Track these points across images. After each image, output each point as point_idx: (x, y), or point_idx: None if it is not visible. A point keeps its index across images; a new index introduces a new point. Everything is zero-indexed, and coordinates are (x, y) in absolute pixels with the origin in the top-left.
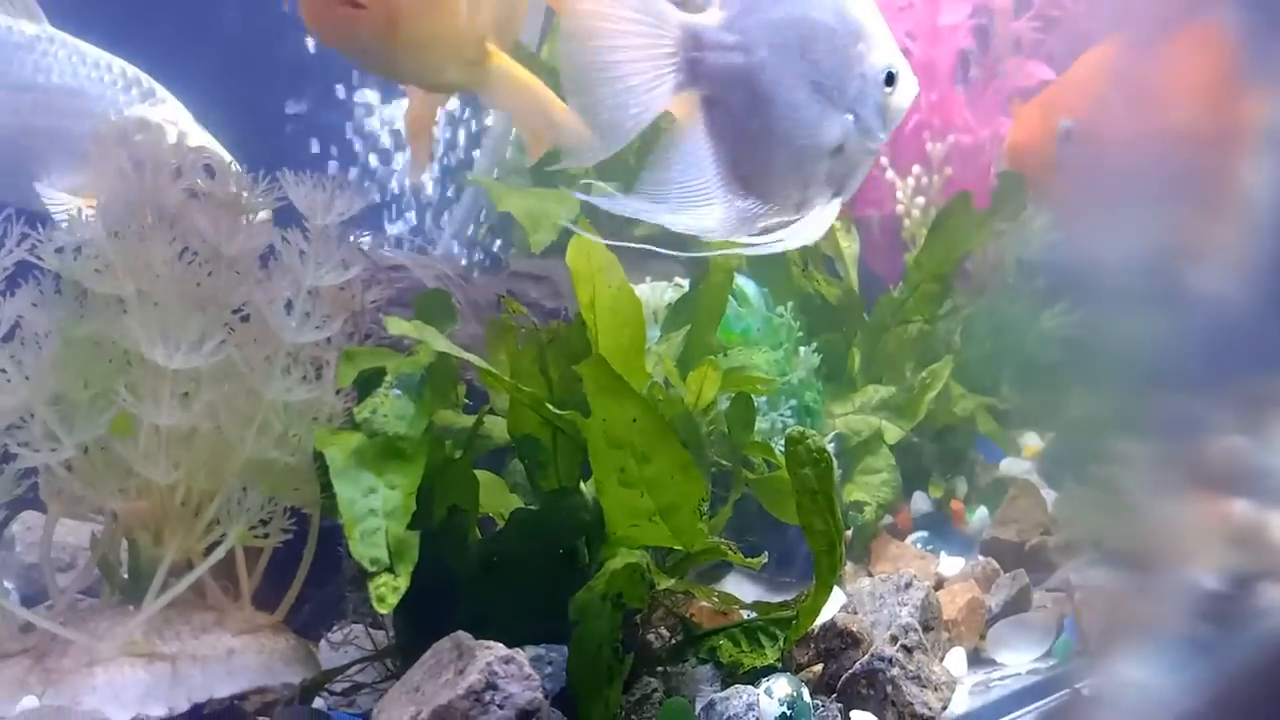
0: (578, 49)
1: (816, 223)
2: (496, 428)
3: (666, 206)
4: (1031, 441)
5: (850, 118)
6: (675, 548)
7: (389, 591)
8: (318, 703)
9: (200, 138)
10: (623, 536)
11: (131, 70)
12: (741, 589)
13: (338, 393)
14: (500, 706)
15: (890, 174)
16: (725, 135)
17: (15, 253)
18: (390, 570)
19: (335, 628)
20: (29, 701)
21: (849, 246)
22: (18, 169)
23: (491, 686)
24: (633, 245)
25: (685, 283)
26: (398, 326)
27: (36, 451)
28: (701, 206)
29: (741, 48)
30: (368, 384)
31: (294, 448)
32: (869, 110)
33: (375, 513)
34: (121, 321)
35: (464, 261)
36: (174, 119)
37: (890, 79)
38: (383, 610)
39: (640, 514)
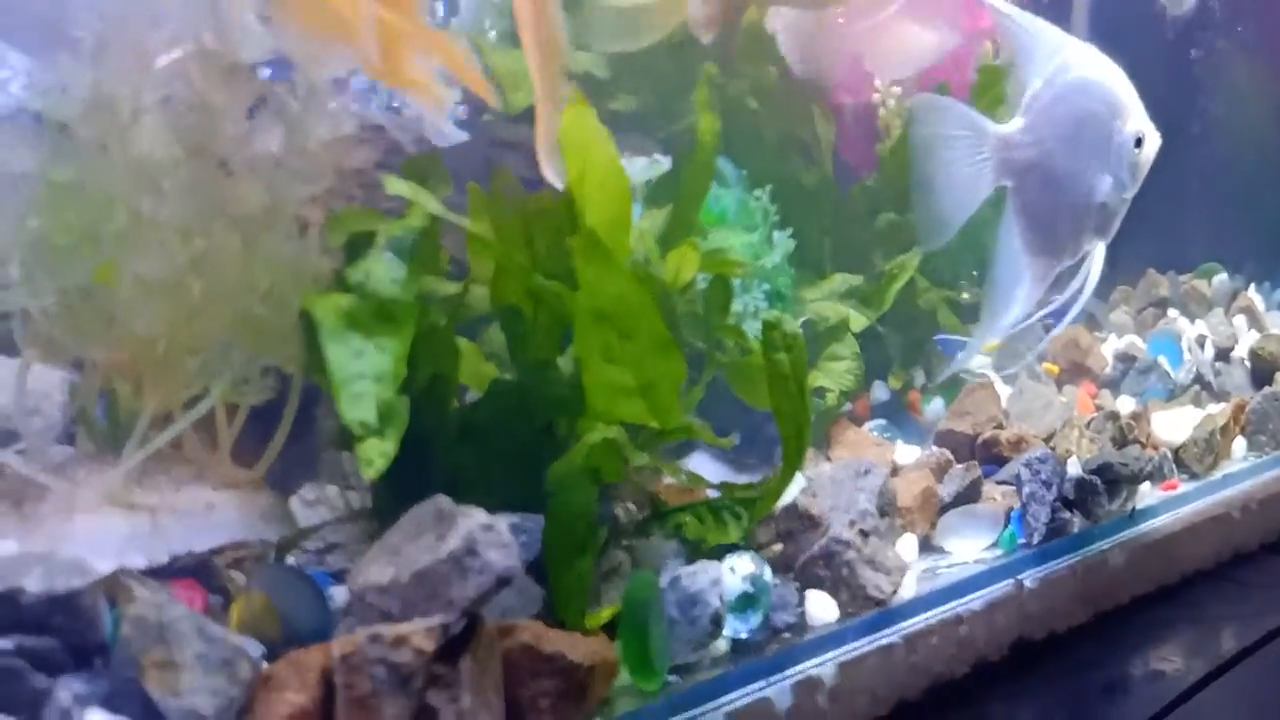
0: (925, 156)
1: (1093, 270)
2: (478, 297)
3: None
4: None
5: (1110, 178)
6: (650, 425)
7: (377, 455)
8: (289, 561)
9: None
10: (602, 411)
11: None
12: (705, 468)
13: (323, 252)
14: (479, 572)
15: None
16: (1026, 211)
17: None
18: (378, 434)
19: (308, 486)
20: (8, 546)
21: (825, 133)
22: None
23: (471, 552)
24: None
25: (665, 159)
26: (396, 187)
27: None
28: (1013, 276)
29: (1035, 144)
30: (353, 247)
31: (279, 305)
32: (1124, 169)
33: (364, 376)
34: (107, 166)
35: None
36: None
37: (1139, 142)
38: (370, 475)
39: (620, 390)
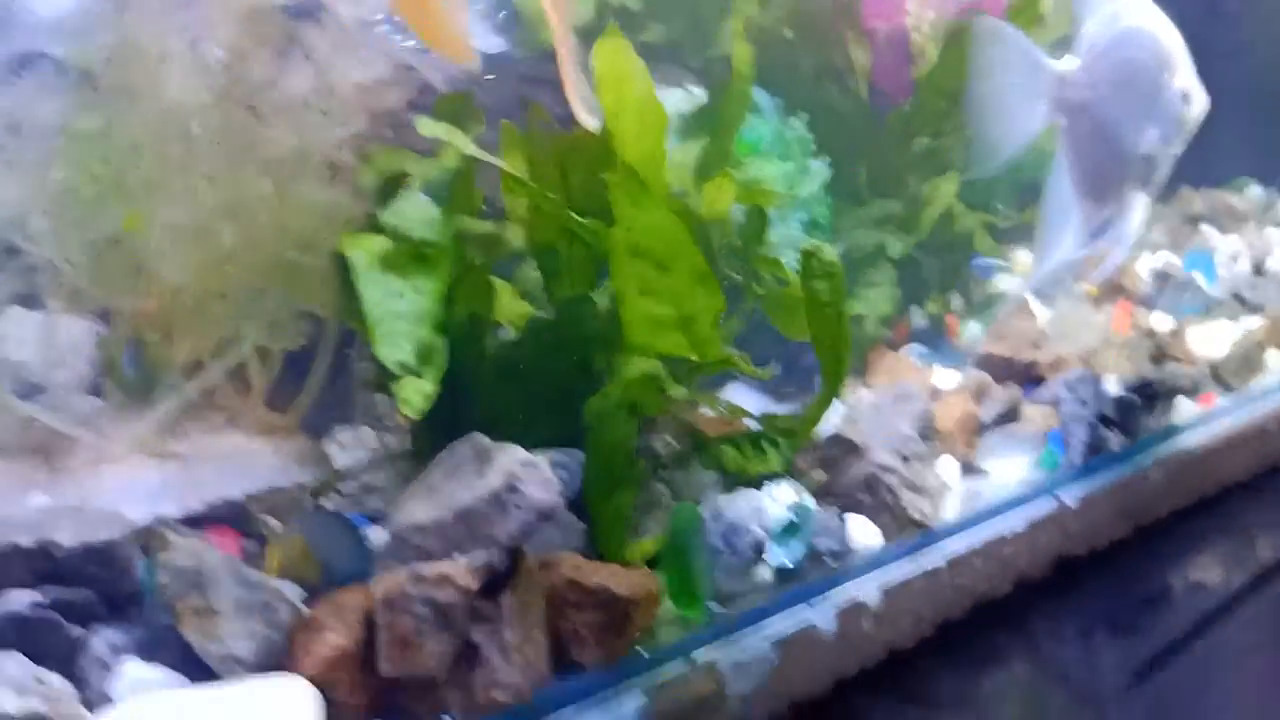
0: (981, 81)
1: (1136, 220)
2: (513, 235)
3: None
4: (1025, 258)
5: (1156, 131)
6: (689, 357)
7: (416, 395)
8: (325, 504)
9: None
10: (640, 345)
11: None
12: (744, 399)
13: (354, 194)
14: (519, 508)
15: None
16: (1076, 151)
17: (18, 39)
18: (416, 374)
19: (342, 429)
20: (40, 500)
21: (860, 59)
22: None
23: (512, 489)
24: None
25: (698, 90)
26: (429, 129)
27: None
28: (1062, 215)
29: (1089, 85)
30: (386, 188)
31: (312, 249)
32: (1169, 124)
33: (401, 316)
34: (131, 112)
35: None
36: None
37: (1185, 98)
38: (409, 414)
39: (658, 323)
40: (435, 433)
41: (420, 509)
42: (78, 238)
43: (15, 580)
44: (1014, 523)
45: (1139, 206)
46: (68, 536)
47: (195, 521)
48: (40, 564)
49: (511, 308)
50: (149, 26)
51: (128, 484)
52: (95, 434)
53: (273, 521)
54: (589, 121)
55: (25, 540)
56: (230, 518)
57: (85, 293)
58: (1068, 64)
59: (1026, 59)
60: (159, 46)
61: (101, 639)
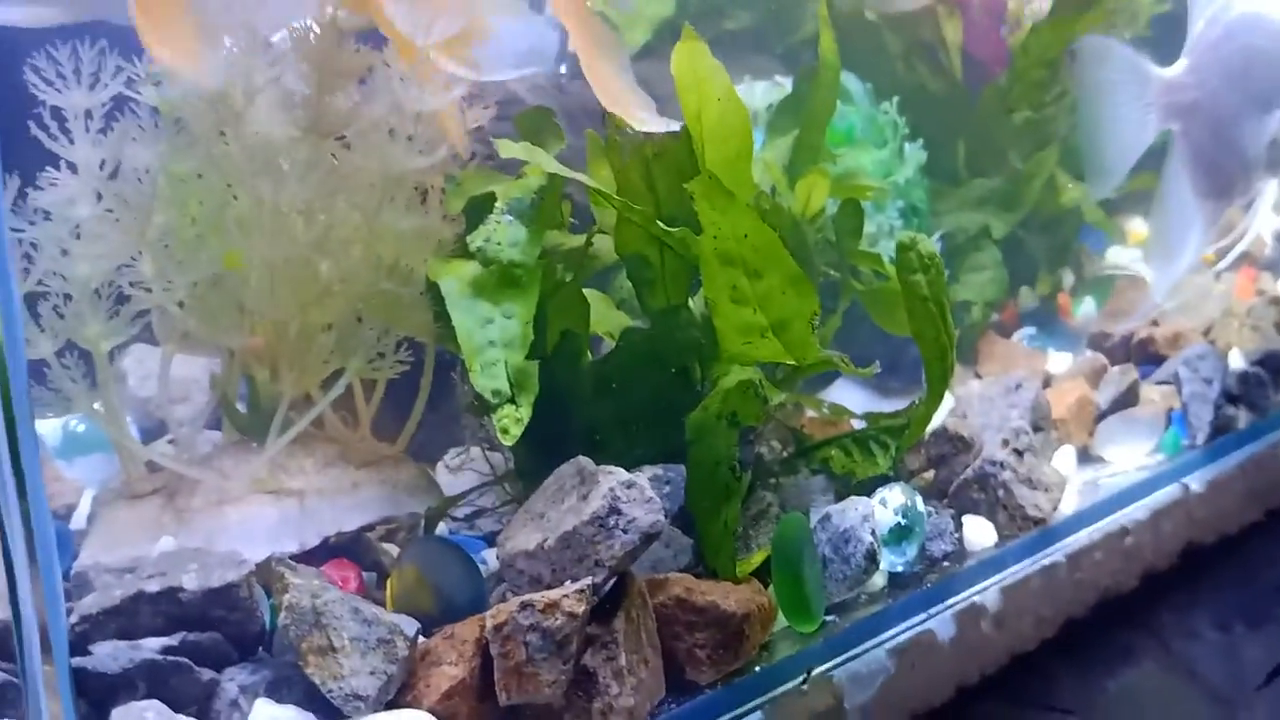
0: (1090, 101)
1: (1266, 208)
2: (603, 247)
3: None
4: (1138, 228)
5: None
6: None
7: (512, 423)
8: (440, 529)
9: None
10: (735, 353)
11: None
12: (849, 397)
13: (444, 219)
14: (624, 531)
15: None
16: (1193, 154)
17: (111, 87)
18: (512, 401)
19: (452, 452)
20: (166, 543)
21: (953, 34)
22: None
23: (615, 511)
24: None
25: (786, 81)
26: (509, 150)
27: (149, 291)
28: (1183, 221)
29: (1199, 85)
30: (476, 209)
31: (406, 278)
32: None
33: (494, 344)
34: (224, 154)
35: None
36: None
37: None
38: (507, 442)
39: (753, 330)
40: (539, 451)
41: (526, 535)
42: (182, 279)
43: (146, 626)
44: (1136, 512)
45: (1269, 192)
46: (193, 580)
47: (315, 554)
48: (168, 608)
49: (608, 319)
50: (234, 66)
51: (248, 523)
52: (214, 473)
53: (392, 549)
54: (652, 125)
55: (153, 586)
56: (348, 550)
57: (194, 333)
58: (1175, 68)
59: (1132, 71)
60: (246, 85)
61: (232, 681)
